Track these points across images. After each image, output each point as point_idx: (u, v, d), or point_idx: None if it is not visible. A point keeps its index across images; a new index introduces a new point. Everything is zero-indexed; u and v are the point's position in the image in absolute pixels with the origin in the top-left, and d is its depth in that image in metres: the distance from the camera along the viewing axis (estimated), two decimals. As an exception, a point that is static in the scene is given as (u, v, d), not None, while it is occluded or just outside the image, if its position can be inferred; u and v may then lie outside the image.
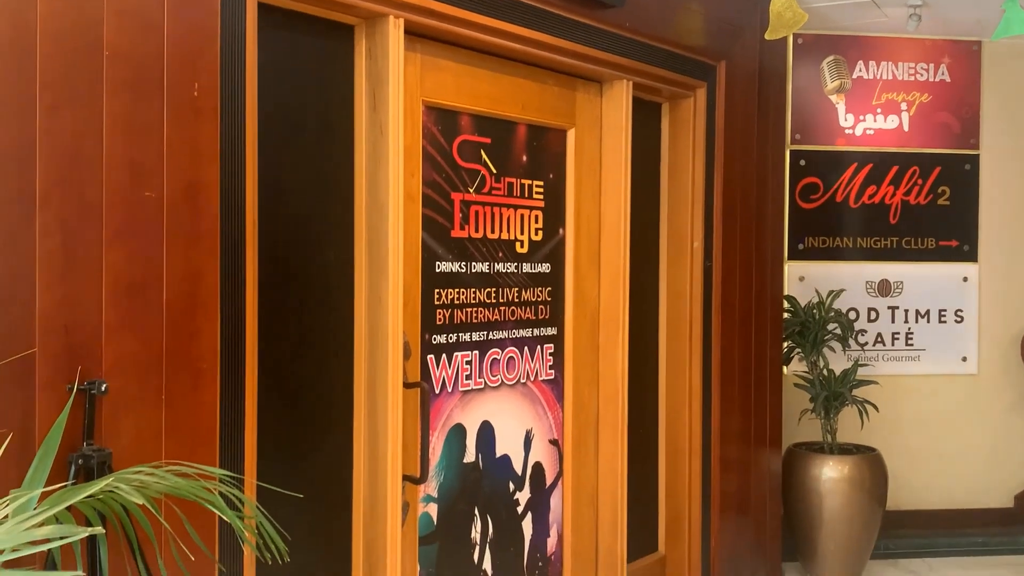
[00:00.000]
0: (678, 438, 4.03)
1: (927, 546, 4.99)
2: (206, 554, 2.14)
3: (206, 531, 2.16)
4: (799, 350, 4.73)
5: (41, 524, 1.31)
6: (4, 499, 1.39)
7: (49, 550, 1.49)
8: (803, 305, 4.72)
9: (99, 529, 1.32)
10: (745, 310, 4.21)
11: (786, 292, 4.76)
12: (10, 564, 1.29)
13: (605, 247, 3.66)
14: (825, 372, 4.66)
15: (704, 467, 4.03)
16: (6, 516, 1.35)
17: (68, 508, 1.68)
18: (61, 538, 1.30)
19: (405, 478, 2.88)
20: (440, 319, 3.09)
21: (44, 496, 1.49)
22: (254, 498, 2.38)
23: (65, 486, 1.48)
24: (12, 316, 1.90)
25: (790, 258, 5.02)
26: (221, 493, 1.77)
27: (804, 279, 5.05)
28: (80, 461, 1.92)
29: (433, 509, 3.08)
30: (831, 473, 4.50)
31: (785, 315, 4.60)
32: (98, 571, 1.78)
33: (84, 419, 1.98)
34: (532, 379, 3.45)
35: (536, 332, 3.46)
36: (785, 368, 4.64)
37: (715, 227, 4.00)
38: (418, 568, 3.00)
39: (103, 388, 1.98)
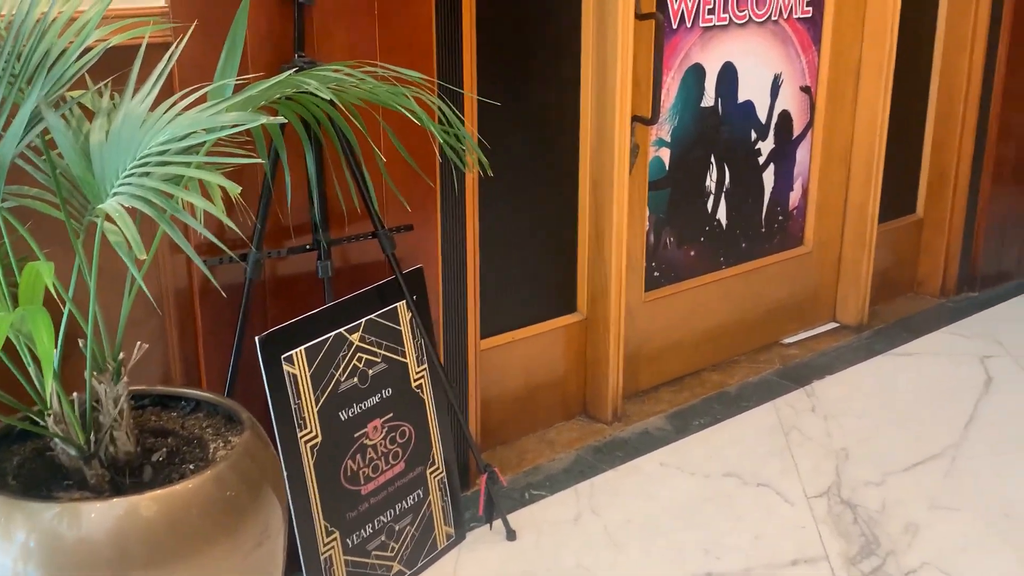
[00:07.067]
0: (952, 92, 3.57)
1: None
2: (425, 181, 2.11)
3: (424, 153, 2.11)
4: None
5: (228, 111, 1.26)
6: (195, 86, 1.35)
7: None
8: None
9: (280, 119, 1.25)
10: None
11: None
12: (193, 149, 1.26)
13: None
14: None
15: (979, 127, 3.59)
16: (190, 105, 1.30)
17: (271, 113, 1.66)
18: (233, 126, 1.24)
19: (635, 118, 2.72)
20: (681, -58, 2.77)
21: (237, 91, 1.45)
22: (475, 120, 2.31)
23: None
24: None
25: None
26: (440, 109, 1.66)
27: None
28: (291, 72, 1.87)
29: (665, 154, 2.93)
30: None
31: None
32: (315, 174, 1.78)
33: (295, 30, 1.92)
34: (785, 16, 3.09)
35: (793, -38, 3.05)
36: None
37: None
38: (647, 212, 2.91)
39: (311, -3, 1.89)
